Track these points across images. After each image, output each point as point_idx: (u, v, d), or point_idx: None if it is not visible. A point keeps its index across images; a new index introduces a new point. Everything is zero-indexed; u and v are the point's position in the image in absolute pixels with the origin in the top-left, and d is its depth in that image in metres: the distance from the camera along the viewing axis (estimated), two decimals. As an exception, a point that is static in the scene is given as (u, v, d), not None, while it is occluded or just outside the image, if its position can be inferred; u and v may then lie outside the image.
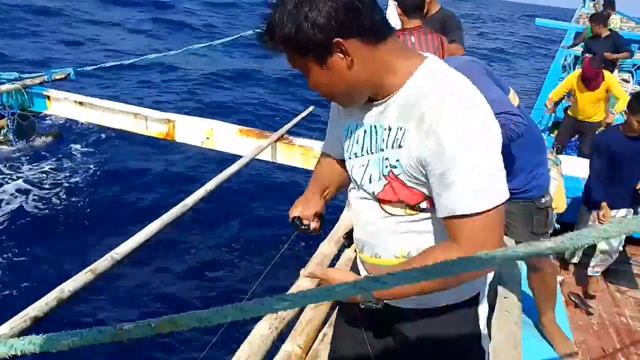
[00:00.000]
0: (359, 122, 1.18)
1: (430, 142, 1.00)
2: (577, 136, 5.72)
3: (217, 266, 3.80)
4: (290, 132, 5.04)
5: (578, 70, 5.39)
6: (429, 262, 0.64)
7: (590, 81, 5.05)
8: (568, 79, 5.42)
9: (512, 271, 2.51)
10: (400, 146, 1.07)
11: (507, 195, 1.01)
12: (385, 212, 1.17)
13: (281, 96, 8.48)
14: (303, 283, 2.55)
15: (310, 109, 5.66)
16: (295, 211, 1.32)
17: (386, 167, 1.11)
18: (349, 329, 1.40)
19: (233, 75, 9.20)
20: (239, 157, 4.32)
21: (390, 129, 1.10)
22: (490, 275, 1.31)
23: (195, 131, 5.03)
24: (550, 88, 7.27)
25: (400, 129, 1.07)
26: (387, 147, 1.10)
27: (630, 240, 4.24)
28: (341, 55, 1.02)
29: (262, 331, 2.06)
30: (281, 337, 2.17)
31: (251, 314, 0.62)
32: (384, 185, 1.14)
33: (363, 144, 1.18)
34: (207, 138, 5.02)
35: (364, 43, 1.03)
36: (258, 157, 4.65)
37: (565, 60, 8.53)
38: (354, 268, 1.42)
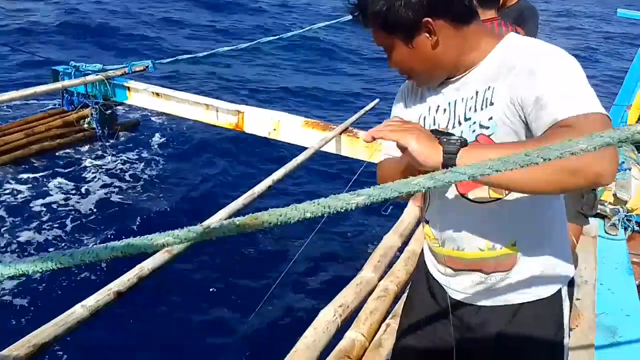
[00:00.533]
0: (434, 103, 1.19)
1: (523, 79, 1.02)
2: None
3: (286, 253, 3.91)
4: (354, 124, 5.06)
5: None
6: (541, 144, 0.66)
7: None
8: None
9: (589, 273, 2.41)
10: (492, 103, 1.08)
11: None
12: (468, 199, 1.16)
13: (347, 88, 8.50)
14: (366, 274, 2.58)
15: (375, 101, 5.65)
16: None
17: (473, 131, 1.11)
18: (419, 318, 1.40)
19: (300, 68, 9.33)
20: (304, 148, 4.41)
21: (477, 93, 1.11)
22: (569, 272, 1.25)
23: (263, 122, 5.17)
24: (631, 84, 6.81)
25: (489, 89, 1.09)
26: (476, 111, 1.11)
27: None
28: (427, 35, 1.07)
29: (327, 317, 2.11)
30: (345, 325, 2.21)
31: (329, 209, 0.63)
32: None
33: (437, 123, 1.18)
34: (274, 129, 5.15)
35: (450, 24, 1.07)
36: (323, 149, 4.72)
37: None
38: (422, 263, 1.42)
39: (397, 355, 1.50)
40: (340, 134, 4.94)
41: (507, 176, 0.86)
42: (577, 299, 2.18)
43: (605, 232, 2.93)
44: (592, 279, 2.37)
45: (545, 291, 1.21)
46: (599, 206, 2.97)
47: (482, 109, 1.09)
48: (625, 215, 2.97)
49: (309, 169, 5.40)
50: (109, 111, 5.60)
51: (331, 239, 4.11)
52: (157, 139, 5.93)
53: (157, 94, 5.35)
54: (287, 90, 7.97)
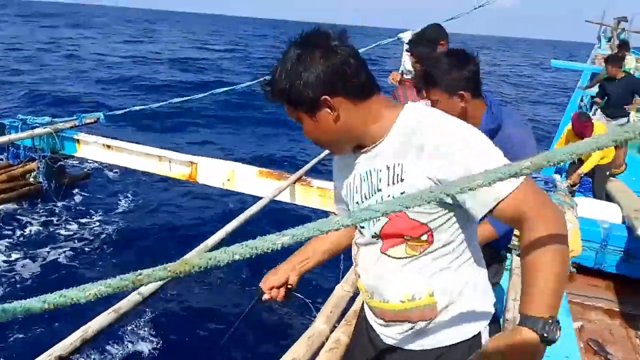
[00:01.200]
0: (354, 172, 1.30)
1: (439, 161, 1.10)
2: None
3: (236, 303, 3.86)
4: (308, 173, 5.17)
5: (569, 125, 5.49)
6: (554, 265, 0.96)
7: (580, 134, 5.16)
8: (564, 134, 5.56)
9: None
10: (402, 179, 1.17)
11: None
12: (388, 256, 1.27)
13: (299, 138, 8.67)
14: (318, 325, 2.60)
15: (327, 151, 5.80)
16: (263, 281, 1.47)
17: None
18: None
19: (253, 119, 9.47)
20: (259, 198, 4.45)
21: (388, 168, 1.20)
22: (489, 314, 1.35)
23: (217, 173, 5.19)
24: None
25: (398, 165, 1.18)
26: (387, 185, 1.20)
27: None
28: (328, 110, 1.18)
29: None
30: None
31: (257, 250, 0.69)
32: (384, 224, 1.23)
33: (361, 191, 1.28)
34: (228, 180, 5.18)
35: (349, 100, 1.18)
36: (277, 198, 4.77)
37: (581, 100, 8.58)
38: (362, 316, 1.50)
39: None
40: (294, 183, 5.02)
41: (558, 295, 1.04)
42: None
43: (544, 274, 3.08)
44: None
45: (466, 334, 1.30)
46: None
47: (393, 183, 1.19)
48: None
49: (263, 219, 5.42)
50: (57, 164, 5.49)
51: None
52: (107, 192, 5.85)
53: (108, 146, 5.30)
54: (240, 141, 8.06)
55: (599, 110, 6.92)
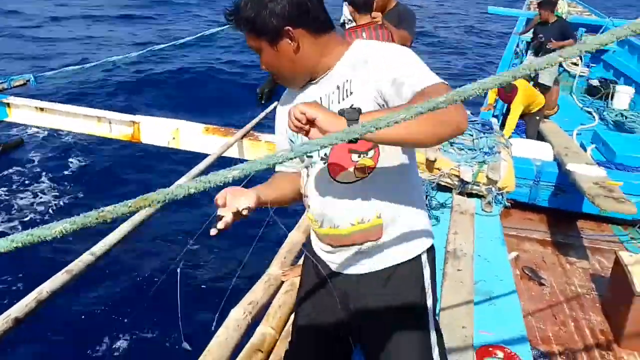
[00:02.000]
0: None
1: (379, 70, 1.24)
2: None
3: (194, 260, 3.90)
4: (255, 128, 5.14)
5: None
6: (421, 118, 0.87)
7: (506, 100, 5.48)
8: (490, 94, 5.78)
9: (468, 246, 2.72)
10: (351, 92, 1.29)
11: (444, 81, 1.20)
12: (337, 181, 1.35)
13: (246, 93, 8.54)
14: (274, 270, 2.70)
15: (275, 104, 5.77)
16: (220, 198, 1.31)
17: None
18: (311, 296, 1.56)
19: (196, 74, 9.18)
20: (206, 155, 4.41)
21: (338, 87, 1.32)
22: (430, 233, 1.47)
23: (161, 132, 5.06)
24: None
25: (347, 81, 1.30)
26: (338, 102, 1.30)
27: (580, 215, 4.56)
28: (289, 41, 1.28)
29: (238, 316, 2.20)
30: (256, 321, 2.31)
31: (210, 183, 0.74)
32: None
33: None
34: (173, 138, 5.07)
35: (308, 33, 1.29)
36: (225, 154, 4.75)
37: (517, 46, 8.87)
38: (309, 246, 1.58)
39: (296, 334, 1.64)
40: (242, 138, 4.99)
41: (394, 132, 1.00)
42: (459, 270, 2.48)
43: (482, 209, 3.31)
44: (470, 252, 2.69)
45: (409, 253, 1.41)
46: (475, 187, 3.36)
47: (343, 99, 1.30)
48: (497, 194, 3.38)
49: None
50: (-13, 131, 5.19)
51: (239, 241, 4.17)
52: (44, 157, 5.59)
53: (42, 109, 5.03)
54: (183, 98, 7.85)
55: (531, 53, 7.19)
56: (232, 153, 4.93)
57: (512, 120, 5.36)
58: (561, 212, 4.60)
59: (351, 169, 1.32)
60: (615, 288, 3.26)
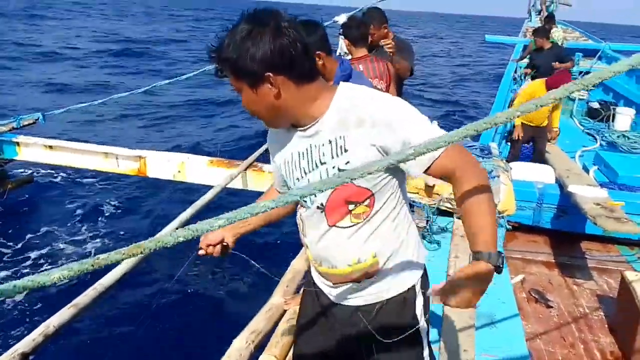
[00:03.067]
0: (294, 150, 1.39)
1: (381, 131, 1.24)
2: (530, 143, 6.06)
3: (199, 292, 3.93)
4: (259, 159, 5.23)
5: (540, 81, 5.69)
6: (483, 205, 1.21)
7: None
8: (531, 91, 5.72)
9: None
10: (346, 150, 1.29)
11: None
12: (333, 226, 1.39)
13: (247, 124, 8.69)
14: (276, 299, 2.72)
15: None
16: (201, 239, 1.57)
17: (332, 175, 1.31)
18: (311, 323, 1.60)
19: (199, 108, 9.38)
20: (212, 187, 4.48)
21: (330, 142, 1.31)
22: (422, 265, 1.52)
23: (167, 165, 5.17)
24: (502, 98, 7.69)
25: (341, 137, 1.29)
26: (331, 157, 1.31)
27: (585, 236, 4.55)
28: (269, 86, 1.25)
29: (240, 345, 2.21)
30: (258, 350, 2.32)
31: (197, 232, 0.81)
32: (330, 194, 1.34)
33: (300, 166, 1.38)
34: (179, 171, 5.17)
35: (291, 80, 1.26)
36: (229, 185, 4.82)
37: (515, 72, 9.01)
38: (309, 276, 1.63)
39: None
40: (246, 169, 5.08)
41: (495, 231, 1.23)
42: (460, 294, 2.48)
43: (483, 233, 3.31)
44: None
45: (403, 286, 1.47)
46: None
47: (337, 155, 1.31)
48: (498, 217, 3.40)
49: (217, 207, 5.45)
50: (-4, 170, 5.31)
51: (242, 269, 4.20)
52: (53, 194, 5.69)
53: (50, 147, 5.17)
54: (188, 132, 7.99)
55: (527, 80, 7.31)
56: (237, 184, 5.01)
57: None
58: (565, 234, 4.60)
59: (347, 216, 1.36)
60: (622, 308, 3.24)
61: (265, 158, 5.25)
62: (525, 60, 8.79)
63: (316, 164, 1.34)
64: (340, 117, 1.29)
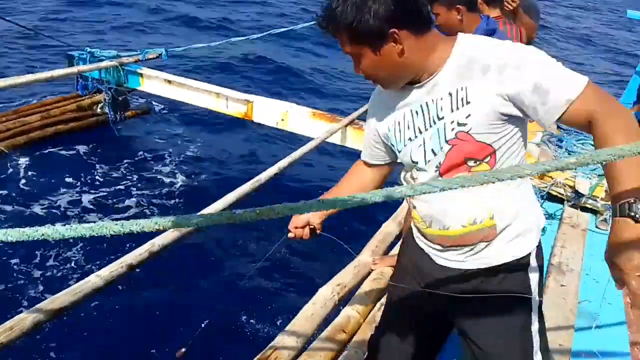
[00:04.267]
0: (406, 108, 1.31)
1: (509, 74, 1.13)
2: None
3: (288, 247, 4.07)
4: (361, 116, 5.17)
5: None
6: (624, 139, 0.97)
7: None
8: None
9: (576, 262, 2.53)
10: (468, 102, 1.19)
11: (586, 77, 1.12)
12: None
13: (354, 81, 8.60)
14: (364, 258, 2.72)
15: (380, 85, 5.75)
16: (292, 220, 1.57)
17: (451, 130, 1.23)
18: (404, 290, 1.55)
19: (310, 59, 9.43)
20: (311, 139, 4.52)
21: (450, 94, 1.22)
22: (540, 229, 1.42)
23: (272, 112, 5.28)
24: (636, 84, 6.87)
25: (462, 89, 1.20)
26: (451, 111, 1.22)
27: None
28: (394, 44, 1.18)
29: (326, 294, 2.25)
30: (342, 302, 2.35)
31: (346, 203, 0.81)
32: (448, 151, 1.26)
33: (415, 126, 1.30)
34: (282, 119, 5.26)
35: (412, 33, 1.18)
36: (329, 139, 4.84)
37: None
38: (411, 245, 1.55)
39: (387, 315, 1.66)
40: (347, 125, 5.05)
41: None
42: (562, 285, 2.31)
43: (596, 226, 3.04)
44: (577, 268, 2.49)
45: (518, 252, 1.36)
46: (591, 201, 3.09)
47: (457, 108, 1.21)
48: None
49: (314, 159, 5.54)
50: (122, 97, 5.75)
51: (335, 225, 4.24)
52: (168, 125, 6.08)
53: (169, 82, 5.48)
54: (296, 81, 8.08)
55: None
56: (336, 139, 5.01)
57: None
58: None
59: (464, 174, 1.26)
60: None
61: (365, 116, 5.15)
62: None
63: (433, 120, 1.25)
64: (461, 67, 1.20)
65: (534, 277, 1.39)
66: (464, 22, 2.26)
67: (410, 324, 1.57)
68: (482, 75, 1.17)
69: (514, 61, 1.14)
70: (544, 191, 3.19)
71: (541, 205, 3.21)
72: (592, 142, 3.30)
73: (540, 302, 1.43)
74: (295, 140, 5.23)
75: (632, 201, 0.95)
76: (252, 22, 11.46)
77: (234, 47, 8.07)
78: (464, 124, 1.20)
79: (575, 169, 3.21)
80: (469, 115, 1.19)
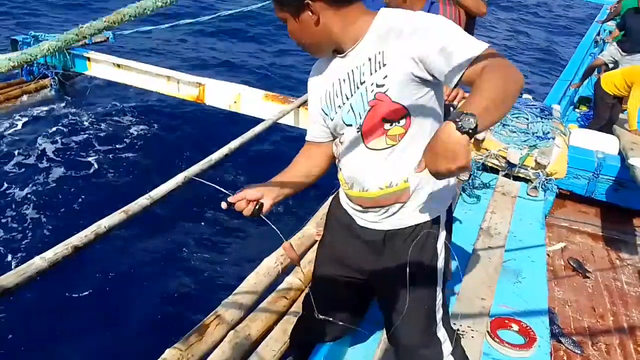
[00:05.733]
0: (335, 78, 1.42)
1: (418, 37, 1.24)
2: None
3: (229, 228, 4.16)
4: (313, 98, 5.24)
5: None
6: (494, 78, 1.08)
7: None
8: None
9: (503, 226, 2.72)
10: (384, 64, 1.30)
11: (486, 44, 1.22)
12: (369, 148, 1.41)
13: (306, 64, 8.65)
14: (309, 229, 2.83)
15: (309, 52, 5.83)
16: (240, 190, 1.47)
17: (371, 91, 1.34)
18: (333, 244, 1.67)
19: (260, 42, 9.38)
20: (264, 120, 4.57)
21: (370, 59, 1.33)
22: (451, 194, 1.54)
23: (224, 95, 5.28)
24: (578, 61, 7.20)
25: (380, 53, 1.31)
26: (370, 74, 1.33)
27: (638, 213, 4.36)
28: (310, 14, 1.30)
29: (269, 264, 2.35)
30: (286, 272, 2.46)
31: None
32: (367, 113, 1.37)
33: (342, 92, 1.41)
34: (235, 102, 5.28)
35: (329, 5, 1.30)
36: (281, 121, 4.89)
37: (598, 34, 8.35)
38: (337, 205, 1.67)
39: (317, 277, 1.76)
40: (299, 107, 5.11)
41: (495, 117, 1.10)
42: (489, 247, 2.49)
43: (527, 193, 3.25)
44: (504, 231, 2.68)
45: (430, 215, 1.49)
46: (522, 170, 3.30)
47: (375, 70, 1.32)
48: (545, 179, 3.30)
49: (266, 140, 5.59)
50: (69, 82, 5.63)
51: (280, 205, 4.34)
52: (117, 109, 5.99)
53: (118, 65, 5.39)
54: (248, 64, 8.06)
55: (613, 43, 6.73)
56: (288, 120, 5.07)
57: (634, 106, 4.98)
58: (619, 208, 4.41)
59: (383, 137, 1.38)
60: (662, 288, 3.14)
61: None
62: (611, 23, 8.11)
63: (357, 85, 1.36)
64: (380, 35, 1.31)
65: (441, 239, 1.53)
66: (407, 3, 2.38)
67: (336, 280, 1.69)
68: (396, 39, 1.27)
69: (423, 26, 1.26)
70: (480, 162, 3.38)
71: (477, 176, 3.41)
72: (526, 116, 3.46)
73: (446, 263, 1.57)
74: (248, 122, 5.25)
75: (465, 113, 1.06)
76: (201, 3, 11.26)
77: (184, 30, 7.96)
78: (382, 85, 1.32)
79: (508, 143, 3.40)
80: (386, 77, 1.30)
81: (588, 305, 3.27)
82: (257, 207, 1.43)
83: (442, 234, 1.53)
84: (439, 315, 1.57)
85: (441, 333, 1.59)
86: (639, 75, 5.02)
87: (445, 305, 1.60)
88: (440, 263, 1.53)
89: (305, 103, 5.13)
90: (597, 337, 2.98)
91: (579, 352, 2.81)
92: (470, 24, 3.57)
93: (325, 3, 1.29)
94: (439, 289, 1.55)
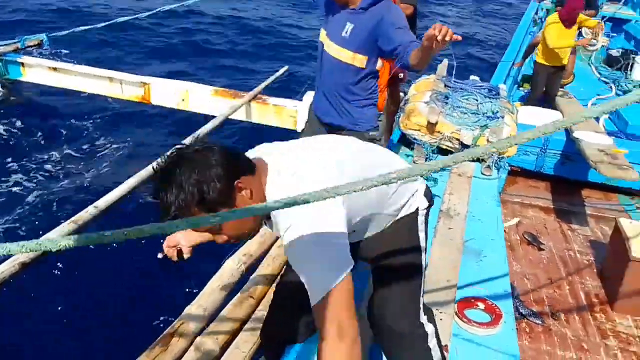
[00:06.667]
0: None
1: None
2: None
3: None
4: (264, 91, 5.16)
5: (552, 16, 5.39)
6: None
7: (570, 20, 5.11)
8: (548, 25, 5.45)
9: (462, 207, 2.76)
10: None
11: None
12: None
13: (255, 56, 8.51)
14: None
15: (284, 68, 5.77)
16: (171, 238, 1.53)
17: None
18: None
19: (207, 36, 9.15)
20: (215, 117, 4.46)
21: None
22: (421, 194, 1.57)
23: (171, 93, 5.13)
24: (518, 41, 7.42)
25: None
26: None
27: (587, 184, 4.55)
28: (243, 193, 1.23)
29: (232, 265, 2.29)
30: (249, 271, 2.40)
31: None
32: None
33: None
34: (183, 100, 5.13)
35: (249, 175, 1.26)
36: (233, 116, 4.79)
37: (536, 13, 8.63)
38: None
39: (284, 273, 1.75)
40: (250, 101, 5.03)
41: None
42: (450, 228, 2.52)
43: (482, 173, 3.32)
44: (464, 212, 2.72)
45: (410, 209, 1.54)
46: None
47: None
48: (498, 158, 3.39)
49: (219, 137, 5.46)
50: (3, 90, 5.31)
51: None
52: (57, 116, 5.67)
53: (55, 69, 5.13)
54: (195, 60, 7.85)
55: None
56: (240, 116, 4.98)
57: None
58: (567, 181, 4.59)
59: None
60: (612, 253, 3.29)
61: (270, 91, 5.19)
62: (547, 2, 8.41)
63: None
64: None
65: (422, 239, 1.58)
66: None
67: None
68: None
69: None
70: (435, 145, 3.42)
71: (434, 160, 3.45)
72: (475, 97, 3.47)
73: (426, 249, 1.60)
74: (199, 120, 5.12)
75: None
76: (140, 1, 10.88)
77: (123, 28, 7.65)
78: None
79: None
80: None
81: (545, 277, 3.39)
82: (178, 251, 1.52)
83: (422, 231, 1.57)
84: (421, 297, 1.59)
85: (424, 317, 1.61)
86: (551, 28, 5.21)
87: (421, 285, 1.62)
88: (423, 247, 1.57)
89: (256, 97, 5.06)
90: (555, 307, 3.09)
91: (540, 322, 2.90)
92: (410, 23, 3.66)
93: (246, 175, 1.24)
94: (425, 274, 1.60)
